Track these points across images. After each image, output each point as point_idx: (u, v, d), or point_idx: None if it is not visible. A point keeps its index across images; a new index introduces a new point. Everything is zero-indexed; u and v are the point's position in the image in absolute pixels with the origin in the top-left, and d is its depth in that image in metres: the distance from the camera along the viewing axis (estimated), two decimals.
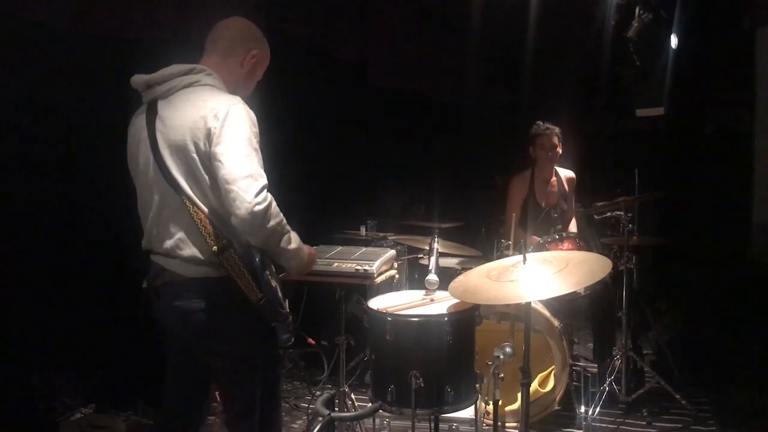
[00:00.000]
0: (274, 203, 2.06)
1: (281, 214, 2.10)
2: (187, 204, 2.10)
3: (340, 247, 3.05)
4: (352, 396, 3.11)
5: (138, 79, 2.23)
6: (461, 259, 4.29)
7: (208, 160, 2.07)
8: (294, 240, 2.21)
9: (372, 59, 6.05)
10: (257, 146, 2.10)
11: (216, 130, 2.05)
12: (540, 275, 2.44)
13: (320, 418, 2.43)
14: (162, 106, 2.18)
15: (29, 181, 3.48)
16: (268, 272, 2.15)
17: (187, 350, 2.30)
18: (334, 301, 3.02)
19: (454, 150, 6.63)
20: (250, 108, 2.18)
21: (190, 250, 2.12)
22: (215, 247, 2.07)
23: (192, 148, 2.09)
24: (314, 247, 2.97)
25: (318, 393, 4.10)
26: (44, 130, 3.44)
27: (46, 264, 3.54)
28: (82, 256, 3.68)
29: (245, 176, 2.01)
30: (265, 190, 2.04)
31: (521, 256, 2.54)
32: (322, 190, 5.42)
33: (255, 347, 2.24)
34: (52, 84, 3.40)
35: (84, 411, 3.52)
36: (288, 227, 2.16)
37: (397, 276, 3.08)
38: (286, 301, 2.27)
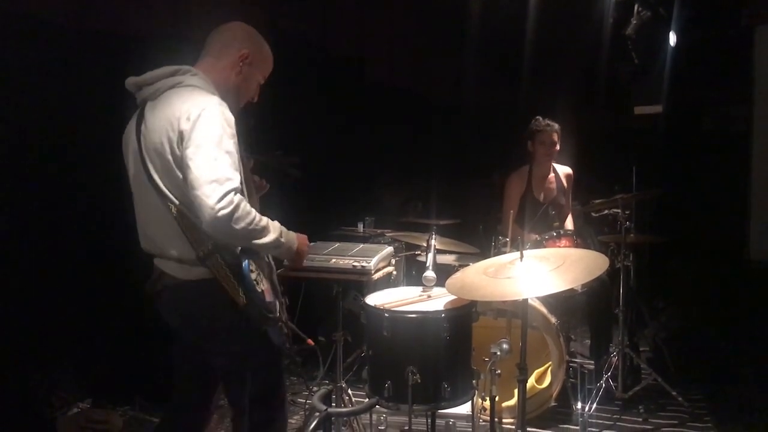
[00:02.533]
0: (242, 204, 2.02)
1: (252, 212, 2.06)
2: (172, 208, 2.10)
3: (337, 244, 3.05)
4: (350, 391, 3.12)
5: (130, 81, 2.24)
6: (459, 255, 4.30)
7: (182, 162, 2.06)
8: (273, 230, 2.17)
9: (370, 56, 6.05)
10: (231, 148, 2.05)
11: (186, 133, 2.03)
12: (537, 272, 2.45)
13: (317, 414, 2.44)
14: (148, 109, 2.19)
15: (25, 176, 3.48)
16: (255, 275, 2.14)
17: (190, 348, 2.33)
18: (332, 298, 3.03)
19: (452, 147, 6.63)
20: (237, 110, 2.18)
21: (179, 252, 2.14)
22: (201, 253, 2.08)
23: (168, 149, 2.08)
24: (312, 244, 2.98)
25: (315, 389, 4.10)
26: (40, 126, 3.44)
27: (43, 259, 3.54)
28: (80, 251, 3.68)
29: (210, 181, 1.98)
30: (232, 193, 1.99)
31: (518, 253, 2.54)
32: (319, 187, 5.41)
33: (249, 346, 2.24)
34: (49, 79, 3.40)
35: (81, 406, 3.53)
36: (262, 222, 2.12)
37: (394, 273, 3.08)
38: (278, 304, 2.27)
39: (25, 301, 3.48)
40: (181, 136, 2.04)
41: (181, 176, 2.07)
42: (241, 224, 2.02)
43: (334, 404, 2.99)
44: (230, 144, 2.06)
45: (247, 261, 2.12)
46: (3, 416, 3.32)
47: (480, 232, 5.39)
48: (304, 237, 2.39)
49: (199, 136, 2.02)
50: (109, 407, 3.62)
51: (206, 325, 2.18)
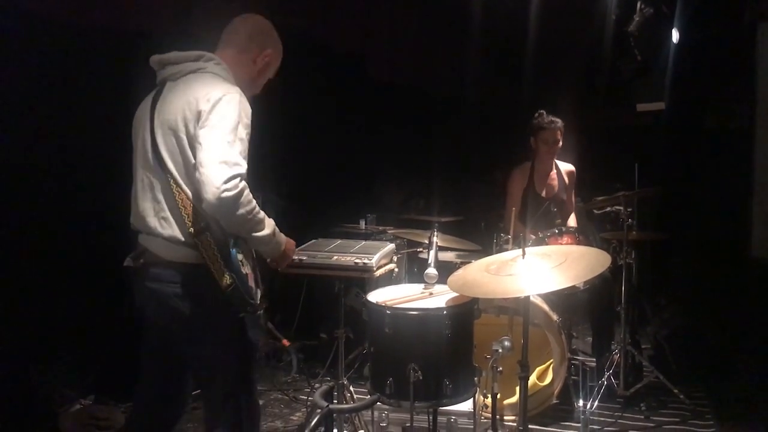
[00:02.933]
0: (246, 192, 2.05)
1: (253, 202, 2.10)
2: (171, 183, 2.13)
3: (339, 241, 3.05)
4: (351, 388, 3.12)
5: (155, 58, 2.28)
6: (460, 252, 4.29)
7: (194, 142, 2.08)
8: (268, 225, 2.21)
9: (372, 52, 6.04)
10: (244, 137, 2.10)
11: (204, 114, 2.07)
12: (539, 269, 2.45)
13: (318, 410, 2.44)
14: (168, 88, 2.23)
15: (27, 172, 3.48)
16: (241, 258, 2.15)
17: (161, 336, 2.29)
18: (333, 295, 3.03)
19: (454, 143, 6.62)
20: (251, 101, 2.19)
21: (170, 230, 2.14)
22: (192, 229, 2.09)
23: (182, 128, 2.11)
24: (313, 241, 2.99)
25: (317, 385, 4.11)
26: (42, 122, 3.44)
27: (45, 256, 3.55)
28: (82, 247, 3.68)
29: (219, 161, 2.01)
30: (238, 179, 2.02)
31: (520, 250, 2.54)
32: (321, 183, 5.42)
33: (229, 335, 2.24)
34: (51, 75, 3.40)
35: (83, 402, 3.54)
36: (260, 215, 2.15)
37: (396, 270, 3.08)
38: (259, 292, 2.26)
39: (27, 298, 3.49)
40: (198, 116, 2.07)
41: (191, 156, 2.09)
42: (242, 210, 2.05)
43: (335, 401, 2.99)
44: (244, 133, 2.10)
45: (234, 241, 2.13)
46: (6, 412, 3.33)
47: (482, 229, 5.39)
48: (292, 242, 2.45)
49: (216, 118, 2.06)
50: (111, 404, 3.62)
51: (184, 310, 2.15)
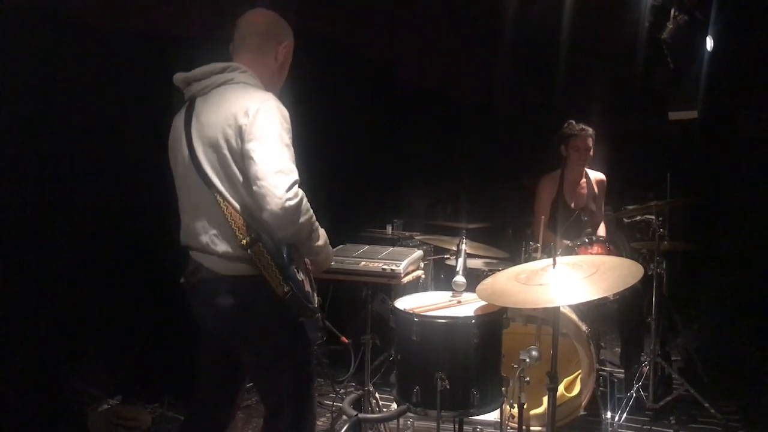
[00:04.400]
0: (305, 199, 2.08)
1: (311, 210, 2.12)
2: (219, 199, 2.13)
3: (366, 246, 3.05)
4: (377, 395, 3.11)
5: (179, 77, 2.28)
6: (488, 260, 4.26)
7: (240, 157, 2.09)
8: (322, 236, 2.26)
9: (400, 58, 6.04)
10: (289, 142, 2.11)
11: (246, 127, 2.07)
12: (570, 280, 2.41)
13: (347, 419, 2.43)
14: (199, 104, 2.23)
15: (63, 175, 3.53)
16: (295, 266, 2.16)
17: (220, 346, 2.33)
18: (359, 300, 3.02)
19: (482, 150, 6.58)
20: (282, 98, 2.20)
21: (223, 246, 2.15)
22: (244, 241, 2.10)
23: (224, 144, 2.11)
24: (340, 246, 3.00)
25: (342, 391, 4.10)
26: (78, 126, 3.49)
27: (76, 257, 3.59)
28: (114, 249, 3.73)
29: (276, 172, 2.02)
30: (296, 186, 2.04)
31: (551, 260, 2.51)
32: (348, 189, 5.42)
33: (286, 344, 2.26)
34: (88, 80, 3.45)
35: (111, 402, 3.57)
36: (317, 223, 2.19)
37: (423, 276, 3.06)
38: (315, 295, 2.30)
39: (57, 299, 3.54)
40: (240, 131, 2.08)
41: (237, 170, 2.11)
42: (303, 218, 2.07)
43: (363, 409, 2.99)
44: (288, 138, 2.11)
45: (287, 249, 2.14)
46: (36, 412, 3.37)
47: (509, 237, 5.35)
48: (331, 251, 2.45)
49: (260, 131, 2.06)
50: (138, 404, 3.66)
51: (244, 319, 2.19)
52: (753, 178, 5.65)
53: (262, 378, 2.33)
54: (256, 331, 2.22)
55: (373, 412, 2.95)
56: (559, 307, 2.58)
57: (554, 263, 2.49)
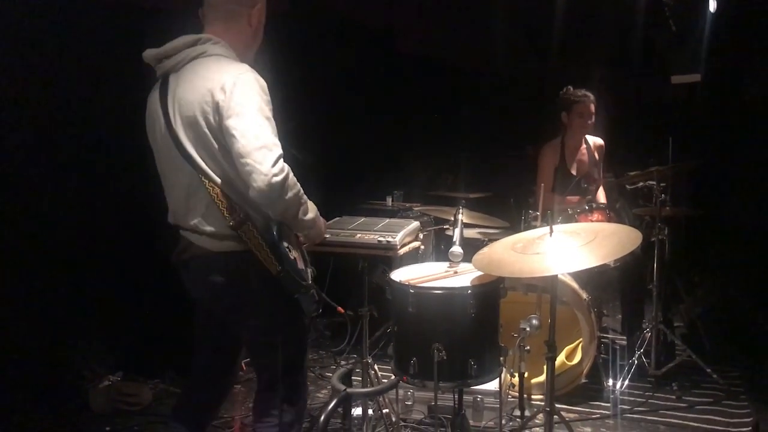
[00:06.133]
0: (291, 173, 2.02)
1: (298, 184, 2.07)
2: (203, 179, 2.08)
3: (363, 219, 3.02)
4: (376, 367, 3.10)
5: (149, 54, 2.19)
6: (488, 230, 4.23)
7: (221, 134, 2.03)
8: (311, 209, 2.21)
9: (400, 27, 5.96)
10: (269, 114, 2.05)
11: (224, 103, 2.00)
12: (567, 248, 2.38)
13: (337, 392, 2.42)
14: (173, 80, 2.14)
15: (57, 156, 3.51)
16: (286, 243, 2.14)
17: (214, 321, 2.32)
18: (358, 273, 3.00)
19: (483, 119, 6.52)
20: (270, 75, 2.13)
21: (212, 226, 2.11)
22: (232, 222, 2.06)
23: (202, 122, 2.04)
24: (337, 218, 2.97)
25: (344, 363, 4.11)
26: (61, 99, 3.45)
27: (75, 234, 3.58)
28: (112, 225, 3.72)
29: (259, 147, 1.96)
30: (281, 160, 1.99)
31: (547, 228, 2.48)
32: (348, 160, 5.38)
33: (280, 319, 2.24)
34: (71, 53, 3.40)
35: (112, 378, 3.58)
36: (305, 197, 2.14)
37: (422, 247, 3.03)
38: (309, 271, 2.27)
39: (57, 276, 3.53)
40: (217, 107, 2.01)
41: (218, 147, 2.05)
42: (290, 193, 2.02)
43: (360, 381, 2.98)
44: (268, 110, 2.05)
45: (277, 227, 2.11)
46: (36, 388, 3.39)
47: (511, 206, 5.31)
48: (324, 222, 2.41)
49: (239, 106, 1.99)
50: (139, 380, 3.66)
51: (237, 296, 2.17)
52: (756, 141, 5.58)
53: (257, 352, 2.32)
54: (249, 307, 2.20)
55: (372, 384, 2.95)
56: (556, 276, 2.56)
57: (551, 231, 2.46)
